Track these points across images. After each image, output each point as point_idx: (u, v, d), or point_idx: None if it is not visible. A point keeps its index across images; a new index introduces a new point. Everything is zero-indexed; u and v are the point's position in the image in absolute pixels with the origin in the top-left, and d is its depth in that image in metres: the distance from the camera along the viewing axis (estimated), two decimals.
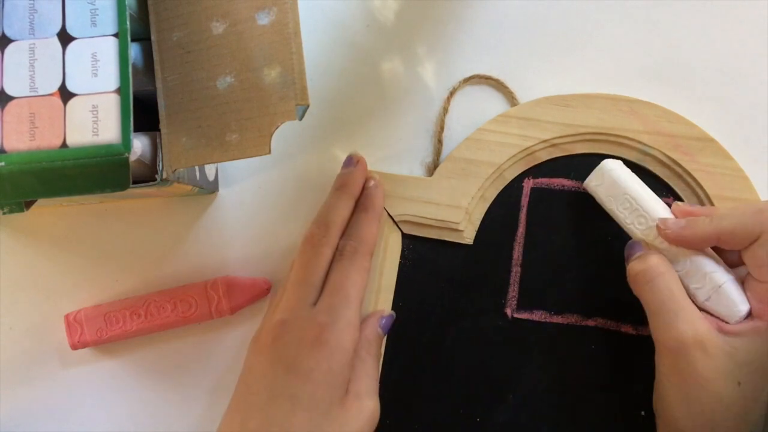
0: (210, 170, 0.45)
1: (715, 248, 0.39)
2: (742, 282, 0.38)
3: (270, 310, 0.42)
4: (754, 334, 0.36)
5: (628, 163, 0.44)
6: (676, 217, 0.39)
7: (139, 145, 0.34)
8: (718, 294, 0.37)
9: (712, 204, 0.43)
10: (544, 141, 0.44)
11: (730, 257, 0.39)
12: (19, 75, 0.32)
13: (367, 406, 0.38)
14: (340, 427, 0.36)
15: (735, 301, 0.37)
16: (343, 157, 0.45)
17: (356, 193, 0.43)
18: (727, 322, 0.37)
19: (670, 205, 0.41)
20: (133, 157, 0.32)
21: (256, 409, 0.36)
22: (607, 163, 0.42)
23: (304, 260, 0.40)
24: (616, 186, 0.41)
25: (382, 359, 0.43)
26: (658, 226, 0.39)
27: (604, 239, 0.44)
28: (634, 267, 0.39)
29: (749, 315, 0.37)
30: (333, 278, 0.40)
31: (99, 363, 0.46)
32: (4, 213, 0.32)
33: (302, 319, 0.38)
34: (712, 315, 0.37)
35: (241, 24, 0.34)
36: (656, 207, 0.40)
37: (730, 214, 0.37)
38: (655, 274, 0.37)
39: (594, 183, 0.42)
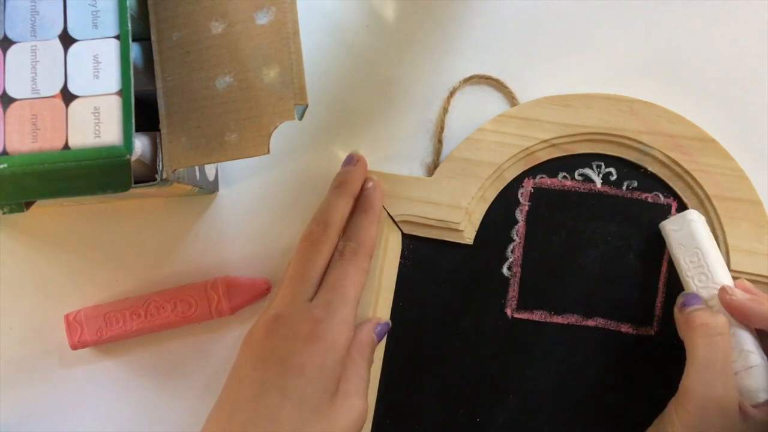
0: (210, 170, 0.45)
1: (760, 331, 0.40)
2: None
3: (266, 307, 0.42)
4: (764, 421, 0.37)
5: (628, 164, 0.45)
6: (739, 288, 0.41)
7: (139, 145, 0.34)
8: (748, 373, 0.38)
9: (712, 205, 0.43)
10: (544, 141, 0.44)
11: None
12: (21, 77, 0.32)
13: (356, 405, 0.37)
14: (328, 424, 0.36)
15: (760, 386, 0.38)
16: (343, 157, 0.45)
17: (355, 192, 0.43)
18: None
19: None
20: (133, 157, 0.32)
21: (246, 402, 0.36)
22: (691, 213, 0.42)
23: (302, 257, 0.40)
24: (692, 238, 0.41)
25: (374, 364, 0.43)
26: (723, 290, 0.40)
27: (604, 239, 0.44)
28: (700, 316, 0.39)
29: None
30: (331, 276, 0.40)
31: (99, 363, 0.46)
32: (4, 213, 0.32)
33: (298, 313, 0.38)
34: None
35: (240, 24, 0.34)
36: (721, 272, 0.41)
37: None
38: (719, 332, 0.38)
39: (671, 227, 0.42)
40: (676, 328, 0.41)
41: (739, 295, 0.39)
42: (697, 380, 0.38)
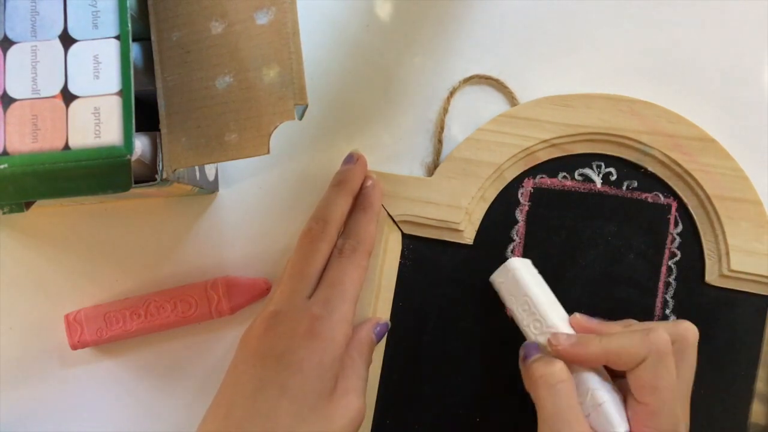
0: (210, 170, 0.45)
1: None
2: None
3: (264, 304, 0.42)
4: None
5: (628, 164, 0.45)
6: (574, 329, 0.39)
7: (139, 145, 0.34)
8: (597, 412, 0.37)
9: (712, 204, 0.43)
10: (544, 141, 0.44)
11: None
12: (21, 77, 0.32)
13: (354, 403, 0.37)
14: (325, 422, 0.36)
15: (613, 422, 0.36)
16: (342, 157, 0.45)
17: (355, 190, 0.43)
18: None
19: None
20: (133, 157, 0.32)
21: (243, 398, 0.36)
22: (512, 262, 0.41)
23: (301, 254, 0.40)
24: (518, 286, 0.40)
25: (374, 364, 0.43)
26: (549, 340, 0.38)
27: (605, 239, 0.44)
28: (537, 368, 0.38)
29: None
30: (330, 273, 0.40)
31: (99, 363, 0.46)
32: (4, 213, 0.32)
33: (296, 310, 0.38)
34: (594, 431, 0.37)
35: (239, 24, 0.34)
36: (553, 315, 0.39)
37: (619, 336, 0.37)
38: (558, 380, 0.37)
39: (498, 279, 0.42)
40: None
41: (564, 343, 0.38)
42: None
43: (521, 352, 0.40)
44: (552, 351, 0.38)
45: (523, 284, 0.40)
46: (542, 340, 0.39)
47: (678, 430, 0.36)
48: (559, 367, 0.37)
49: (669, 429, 0.36)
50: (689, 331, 0.38)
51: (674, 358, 0.36)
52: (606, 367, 0.38)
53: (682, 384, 0.37)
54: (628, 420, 0.37)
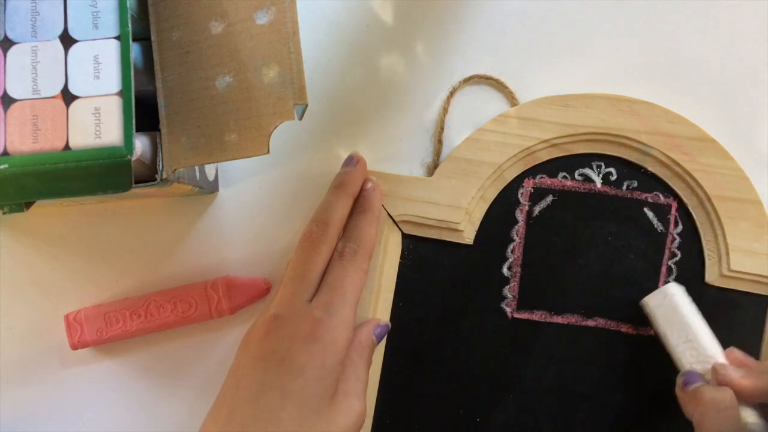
0: (210, 170, 0.45)
1: None
2: None
3: (265, 307, 0.42)
4: None
5: (628, 164, 0.45)
6: (730, 362, 0.40)
7: (139, 145, 0.34)
8: None
9: (712, 204, 0.43)
10: (544, 141, 0.44)
11: None
12: (21, 77, 0.32)
13: (355, 406, 0.37)
14: (327, 425, 0.36)
15: None
16: (343, 157, 0.44)
17: (355, 193, 0.43)
18: None
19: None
20: (133, 157, 0.32)
21: (245, 401, 0.36)
22: (671, 287, 0.42)
23: (301, 257, 0.40)
24: (676, 312, 0.41)
25: (374, 364, 0.43)
26: (715, 368, 0.39)
27: (605, 239, 0.44)
28: (707, 392, 0.39)
29: None
30: (331, 276, 0.40)
31: (99, 363, 0.46)
32: (4, 213, 0.32)
33: (297, 313, 0.38)
34: None
35: (239, 24, 0.34)
36: (710, 345, 0.40)
37: None
38: (728, 405, 0.38)
39: (654, 303, 0.42)
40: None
41: (732, 373, 0.39)
42: None
43: (680, 379, 0.40)
44: (718, 380, 0.39)
45: (683, 311, 0.41)
46: (698, 368, 0.40)
47: None
48: (730, 395, 0.38)
49: None
50: None
51: None
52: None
53: None
54: None
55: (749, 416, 0.38)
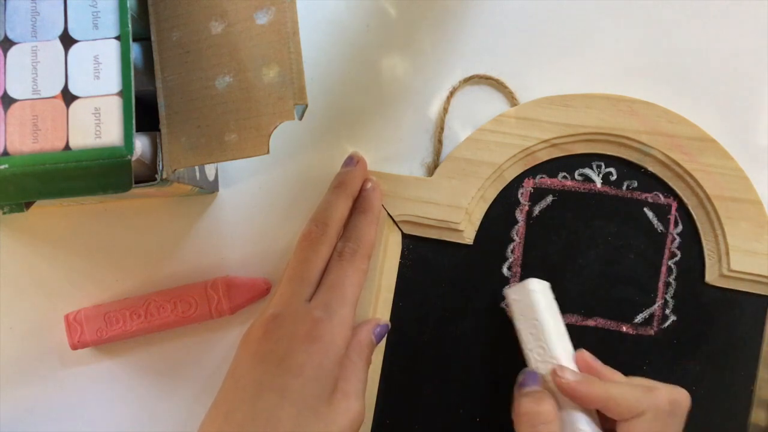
0: (210, 170, 0.45)
1: None
2: None
3: (264, 307, 0.42)
4: None
5: (628, 164, 0.45)
6: (578, 365, 0.39)
7: (139, 145, 0.34)
8: None
9: (712, 204, 0.43)
10: (544, 141, 0.44)
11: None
12: (21, 77, 0.32)
13: (354, 406, 0.37)
14: (325, 425, 0.36)
15: None
16: (342, 157, 0.45)
17: (354, 193, 0.43)
18: None
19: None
20: (133, 157, 0.32)
21: (243, 401, 0.36)
22: (531, 283, 0.41)
23: (301, 257, 0.40)
24: (531, 308, 0.40)
25: (374, 364, 0.43)
26: (554, 371, 0.38)
27: (605, 239, 0.44)
28: (524, 404, 0.38)
29: None
30: (330, 276, 0.40)
31: (99, 363, 0.46)
32: (4, 213, 0.32)
33: (296, 313, 0.38)
34: None
35: (239, 24, 0.34)
36: (558, 346, 0.39)
37: (623, 385, 0.38)
38: (541, 422, 0.37)
39: (513, 296, 0.41)
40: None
41: (569, 377, 0.37)
42: None
43: (519, 378, 0.40)
44: (554, 383, 0.38)
45: (537, 308, 0.40)
46: (542, 367, 0.39)
47: None
48: (547, 408, 0.37)
49: None
50: (684, 398, 0.38)
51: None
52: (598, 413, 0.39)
53: None
54: None
55: (583, 424, 0.37)
